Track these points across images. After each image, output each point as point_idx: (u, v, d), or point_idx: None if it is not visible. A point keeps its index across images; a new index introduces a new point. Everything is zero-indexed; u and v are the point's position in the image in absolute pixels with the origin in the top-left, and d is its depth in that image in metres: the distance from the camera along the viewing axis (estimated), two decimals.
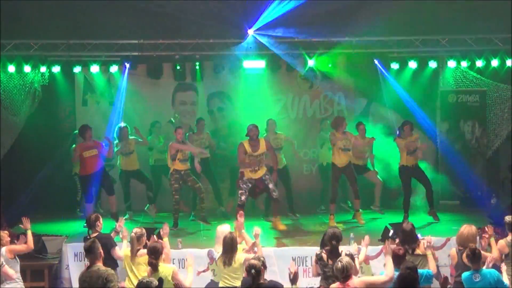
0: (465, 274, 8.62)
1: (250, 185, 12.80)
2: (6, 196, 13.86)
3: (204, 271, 10.85)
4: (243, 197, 12.73)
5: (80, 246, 11.24)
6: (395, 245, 9.37)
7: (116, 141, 14.02)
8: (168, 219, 13.32)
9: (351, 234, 11.54)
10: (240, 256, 9.38)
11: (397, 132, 13.65)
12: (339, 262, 7.83)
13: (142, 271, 9.32)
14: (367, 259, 10.94)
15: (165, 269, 8.88)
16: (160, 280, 8.57)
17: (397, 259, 8.59)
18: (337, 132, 13.44)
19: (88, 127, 13.58)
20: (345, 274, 7.79)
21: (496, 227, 11.71)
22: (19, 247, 9.89)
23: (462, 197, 15.08)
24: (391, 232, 11.45)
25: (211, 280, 10.69)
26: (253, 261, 8.01)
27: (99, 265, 7.98)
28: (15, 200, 13.93)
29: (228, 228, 10.13)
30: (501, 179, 14.99)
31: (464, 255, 8.84)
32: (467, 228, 9.58)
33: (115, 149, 13.97)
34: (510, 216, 9.95)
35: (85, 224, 13.14)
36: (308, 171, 15.88)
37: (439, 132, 15.36)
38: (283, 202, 13.93)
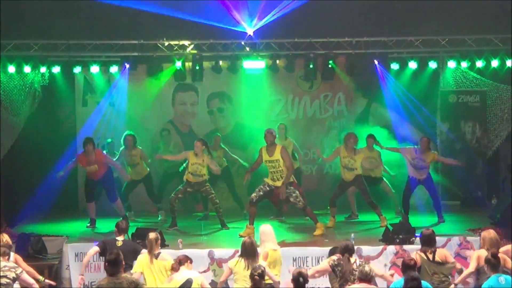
0: (492, 278, 8.53)
1: (268, 189, 12.32)
2: (6, 196, 13.84)
3: (204, 271, 10.85)
4: (253, 194, 12.32)
5: (81, 247, 11.26)
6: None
7: (122, 148, 13.92)
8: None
9: (352, 235, 11.54)
10: (262, 261, 9.29)
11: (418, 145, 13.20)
12: (366, 266, 8.30)
13: (161, 275, 9.30)
14: (367, 259, 10.95)
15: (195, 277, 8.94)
16: (189, 281, 8.73)
17: (408, 269, 8.58)
18: (344, 148, 13.15)
19: (89, 140, 13.05)
20: (369, 276, 8.22)
21: (496, 227, 11.72)
22: (27, 276, 8.87)
23: (462, 197, 15.07)
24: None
25: (212, 280, 10.70)
26: (303, 270, 8.08)
27: (124, 274, 8.06)
28: (15, 200, 13.91)
29: (270, 228, 10.06)
30: (501, 179, 14.97)
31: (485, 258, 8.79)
32: (491, 232, 9.49)
33: (118, 157, 13.88)
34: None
35: (88, 224, 13.18)
36: (308, 171, 15.85)
37: (439, 132, 15.36)
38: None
